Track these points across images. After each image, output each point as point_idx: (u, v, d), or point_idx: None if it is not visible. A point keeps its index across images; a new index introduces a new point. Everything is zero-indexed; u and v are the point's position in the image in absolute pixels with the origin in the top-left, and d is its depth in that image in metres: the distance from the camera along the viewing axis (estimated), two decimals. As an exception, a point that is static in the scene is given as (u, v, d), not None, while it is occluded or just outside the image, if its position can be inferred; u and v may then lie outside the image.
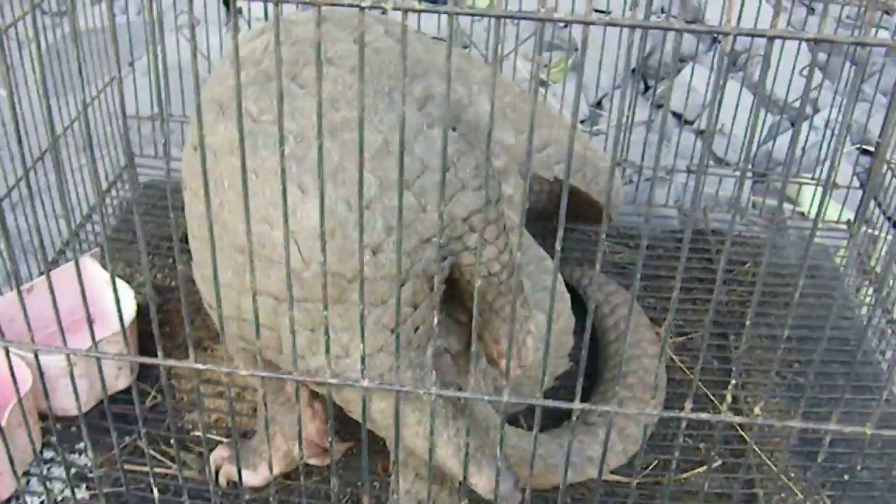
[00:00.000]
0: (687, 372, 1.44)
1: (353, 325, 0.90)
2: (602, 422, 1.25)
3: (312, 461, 1.22)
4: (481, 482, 1.00)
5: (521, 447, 1.14)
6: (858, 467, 0.85)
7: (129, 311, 1.31)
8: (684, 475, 1.28)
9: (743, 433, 1.34)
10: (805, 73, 1.74)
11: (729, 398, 0.79)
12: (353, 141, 0.86)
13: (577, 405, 0.80)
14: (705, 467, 1.28)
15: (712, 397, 1.39)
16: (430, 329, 0.95)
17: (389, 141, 0.87)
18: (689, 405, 0.80)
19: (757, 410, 0.80)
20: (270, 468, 0.94)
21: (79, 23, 1.57)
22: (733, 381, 0.78)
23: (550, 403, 0.81)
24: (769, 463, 1.30)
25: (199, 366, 0.82)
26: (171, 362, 0.83)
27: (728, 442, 1.33)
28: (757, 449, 1.31)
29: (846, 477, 1.29)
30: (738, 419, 0.81)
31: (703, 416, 0.81)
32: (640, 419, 1.22)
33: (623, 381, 1.32)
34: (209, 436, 1.28)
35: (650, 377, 1.32)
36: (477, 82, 1.11)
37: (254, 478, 1.18)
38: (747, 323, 0.74)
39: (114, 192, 1.69)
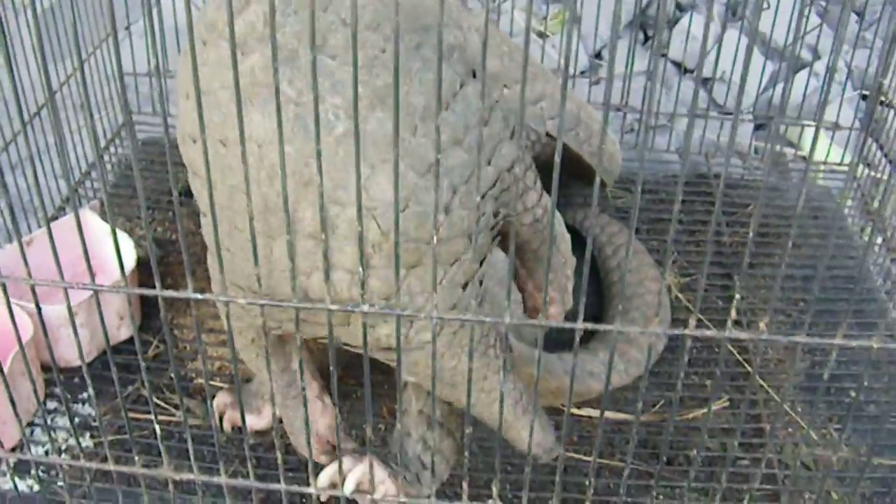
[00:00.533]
0: (692, 309, 1.44)
1: (430, 286, 0.90)
2: (603, 347, 1.25)
3: (322, 459, 1.09)
4: (533, 437, 1.01)
5: (519, 348, 1.15)
6: (865, 383, 0.84)
7: (130, 260, 1.30)
8: (690, 415, 1.28)
9: (749, 368, 1.33)
10: (805, 12, 1.72)
11: (733, 314, 0.79)
12: (403, 107, 0.83)
13: (579, 325, 0.79)
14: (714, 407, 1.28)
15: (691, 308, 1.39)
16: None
17: (431, 102, 0.85)
18: (693, 322, 0.80)
19: (762, 326, 0.80)
20: (274, 410, 0.93)
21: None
22: (737, 296, 0.77)
23: (553, 324, 0.81)
24: (775, 397, 1.29)
25: (197, 295, 0.82)
26: (169, 293, 0.83)
27: (734, 379, 1.33)
28: (762, 382, 1.31)
29: (852, 395, 1.28)
30: (743, 335, 0.80)
31: (708, 332, 0.80)
32: (642, 341, 1.21)
33: (626, 315, 1.32)
34: (212, 383, 1.28)
35: (651, 311, 1.32)
36: (468, 25, 1.11)
37: (258, 421, 1.18)
38: (750, 235, 0.73)
39: (112, 150, 1.68)
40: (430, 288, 0.91)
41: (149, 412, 1.22)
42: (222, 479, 0.94)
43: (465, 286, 0.94)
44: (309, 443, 0.91)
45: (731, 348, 1.38)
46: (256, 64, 0.83)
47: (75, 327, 0.90)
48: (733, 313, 0.79)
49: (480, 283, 0.95)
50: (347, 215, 0.84)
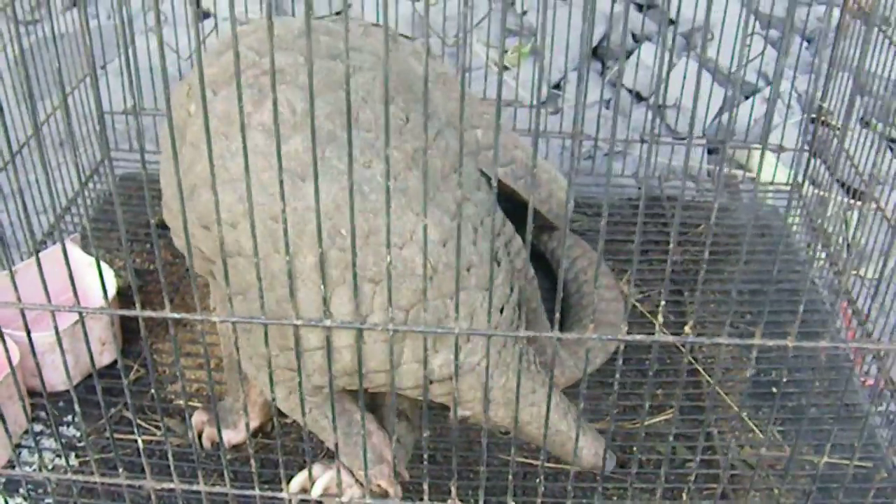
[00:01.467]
0: (647, 315, 1.52)
1: (472, 311, 1.02)
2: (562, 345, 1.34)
3: (396, 490, 1.10)
4: (586, 446, 1.10)
5: None
6: (784, 379, 0.93)
7: (111, 288, 1.37)
8: (644, 422, 1.36)
9: (705, 375, 1.42)
10: (747, 41, 1.82)
11: (660, 318, 0.87)
12: (430, 167, 1.01)
13: (522, 333, 0.87)
14: (666, 414, 1.36)
15: (650, 318, 1.47)
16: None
17: (446, 164, 1.03)
18: (624, 328, 0.88)
19: (687, 329, 0.88)
20: (247, 425, 1.00)
21: (52, 26, 1.64)
22: (662, 303, 0.85)
23: (499, 334, 0.89)
24: (721, 392, 1.38)
25: (174, 315, 0.89)
26: (148, 313, 0.90)
27: (685, 387, 1.41)
28: (699, 367, 1.39)
29: (770, 387, 1.36)
30: (669, 338, 0.88)
31: (638, 336, 0.88)
32: (591, 342, 1.30)
33: (580, 322, 1.41)
34: (191, 403, 1.35)
35: (605, 317, 1.41)
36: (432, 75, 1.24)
37: (235, 435, 1.25)
38: (671, 246, 0.82)
39: (91, 185, 1.75)
40: (470, 312, 1.03)
41: (131, 432, 1.29)
42: (201, 487, 1.02)
43: (502, 310, 1.06)
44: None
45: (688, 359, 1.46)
46: (299, 147, 0.96)
47: (63, 349, 0.98)
48: (660, 318, 0.87)
49: (516, 308, 1.07)
50: (402, 254, 0.97)
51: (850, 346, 0.96)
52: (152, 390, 1.32)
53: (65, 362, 0.98)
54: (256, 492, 1.01)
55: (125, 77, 1.82)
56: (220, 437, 0.99)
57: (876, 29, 1.60)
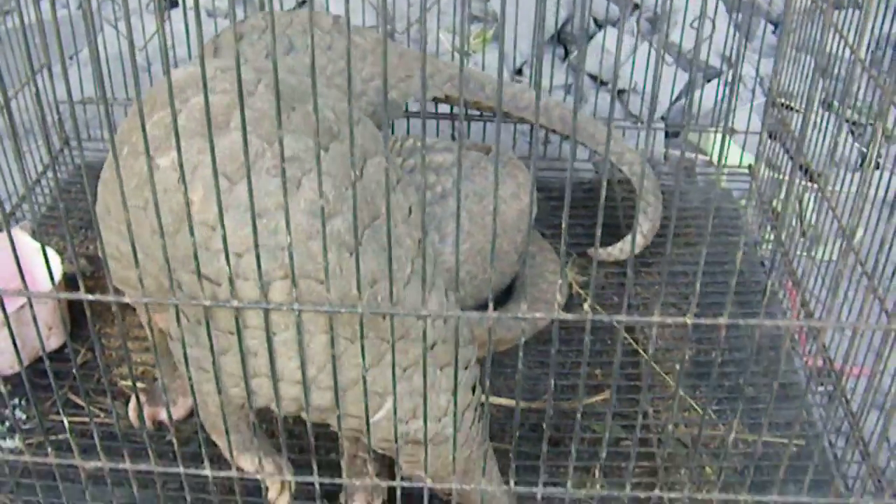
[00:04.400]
0: (596, 307, 1.54)
1: (451, 386, 1.04)
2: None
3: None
4: None
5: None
6: (719, 359, 0.94)
7: (57, 273, 1.40)
8: (587, 400, 1.38)
9: (642, 354, 1.44)
10: (695, 24, 1.84)
11: (560, 299, 0.89)
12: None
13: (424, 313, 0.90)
14: (603, 394, 1.39)
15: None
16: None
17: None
18: (524, 306, 0.90)
19: (586, 307, 0.90)
20: (169, 415, 1.03)
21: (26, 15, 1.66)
22: (559, 281, 0.87)
23: (402, 313, 0.91)
24: (661, 372, 1.40)
25: (89, 297, 0.92)
26: (65, 295, 0.93)
27: (623, 367, 1.43)
28: (644, 353, 1.41)
29: (710, 366, 1.38)
30: (569, 316, 0.90)
31: (538, 315, 0.90)
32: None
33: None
34: (138, 385, 1.38)
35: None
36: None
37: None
38: (564, 226, 0.84)
39: (50, 174, 1.78)
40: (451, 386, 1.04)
41: (73, 414, 1.32)
42: (127, 465, 1.04)
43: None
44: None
45: (625, 337, 1.48)
46: (341, 227, 0.98)
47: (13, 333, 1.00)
48: (560, 298, 0.89)
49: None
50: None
51: (759, 323, 0.97)
52: (74, 370, 1.35)
53: (15, 346, 1.00)
54: (181, 469, 1.04)
55: (80, 69, 1.85)
56: (141, 414, 1.03)
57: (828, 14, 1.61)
